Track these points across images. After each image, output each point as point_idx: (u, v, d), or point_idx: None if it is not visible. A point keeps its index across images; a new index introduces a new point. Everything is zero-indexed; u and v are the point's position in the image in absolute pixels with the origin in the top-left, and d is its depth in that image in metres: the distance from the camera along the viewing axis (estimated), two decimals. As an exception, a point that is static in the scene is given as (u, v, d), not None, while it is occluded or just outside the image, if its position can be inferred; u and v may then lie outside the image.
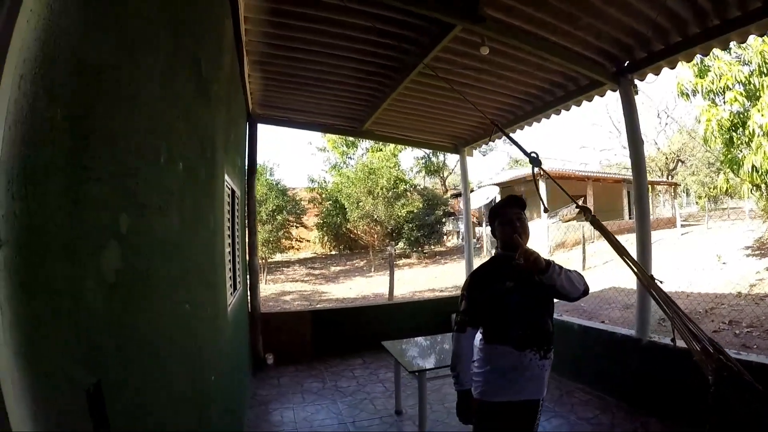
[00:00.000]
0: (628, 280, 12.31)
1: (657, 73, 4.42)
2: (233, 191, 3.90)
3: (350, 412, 4.57)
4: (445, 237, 25.43)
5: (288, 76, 4.88)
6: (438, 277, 16.80)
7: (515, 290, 2.27)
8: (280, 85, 5.16)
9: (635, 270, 1.90)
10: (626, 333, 4.63)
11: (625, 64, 4.45)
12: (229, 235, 3.59)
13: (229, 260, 3.57)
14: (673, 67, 4.29)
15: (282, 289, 16.14)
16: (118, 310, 0.96)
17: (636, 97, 4.60)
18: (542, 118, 5.71)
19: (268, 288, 15.97)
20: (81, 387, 0.80)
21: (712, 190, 25.18)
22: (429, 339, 4.88)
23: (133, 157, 1.10)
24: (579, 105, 5.27)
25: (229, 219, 3.62)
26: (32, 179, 0.67)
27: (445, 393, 4.94)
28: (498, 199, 22.56)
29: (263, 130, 6.13)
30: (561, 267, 2.25)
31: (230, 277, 3.61)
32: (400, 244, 21.69)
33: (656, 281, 1.85)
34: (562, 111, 5.48)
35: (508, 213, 2.36)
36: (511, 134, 6.65)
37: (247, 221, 5.80)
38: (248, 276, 5.79)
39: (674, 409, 4.02)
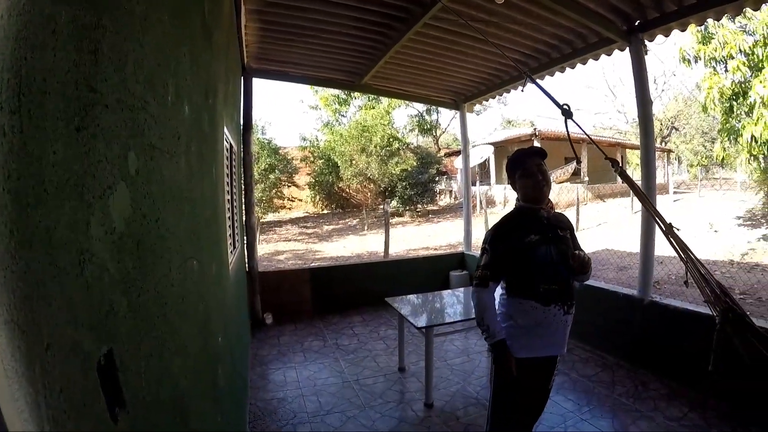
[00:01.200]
0: (621, 243, 12.51)
1: (667, 35, 4.34)
2: (231, 145, 3.72)
3: (353, 369, 4.55)
4: (438, 196, 25.41)
5: (286, 27, 4.61)
6: (431, 236, 16.78)
7: (540, 243, 2.22)
8: (277, 37, 4.89)
9: (656, 218, 1.83)
10: (628, 293, 4.66)
11: (636, 23, 4.33)
12: (228, 191, 3.44)
13: (228, 217, 3.42)
14: (683, 30, 4.20)
15: (275, 248, 16.08)
16: (128, 264, 0.82)
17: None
18: (546, 75, 5.57)
19: (261, 248, 15.88)
20: (90, 358, 0.66)
21: (705, 158, 25.30)
22: (427, 296, 4.83)
23: (142, 88, 0.93)
24: (585, 63, 5.14)
25: (227, 174, 3.46)
26: (28, 88, 0.51)
27: (446, 350, 4.96)
28: (492, 159, 22.50)
29: (256, 87, 5.89)
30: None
31: (230, 235, 3.47)
32: (393, 203, 21.66)
33: (674, 229, 1.82)
34: (567, 69, 5.36)
35: (530, 164, 2.27)
36: (505, 93, 6.57)
37: (243, 178, 5.62)
38: (245, 234, 5.65)
39: (674, 368, 4.07)
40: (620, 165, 2.05)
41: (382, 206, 17.96)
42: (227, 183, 3.39)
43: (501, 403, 2.29)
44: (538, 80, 5.63)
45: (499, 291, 2.31)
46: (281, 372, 4.54)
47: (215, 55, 2.43)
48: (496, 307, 2.29)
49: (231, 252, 3.48)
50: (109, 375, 0.70)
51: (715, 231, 12.65)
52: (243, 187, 5.70)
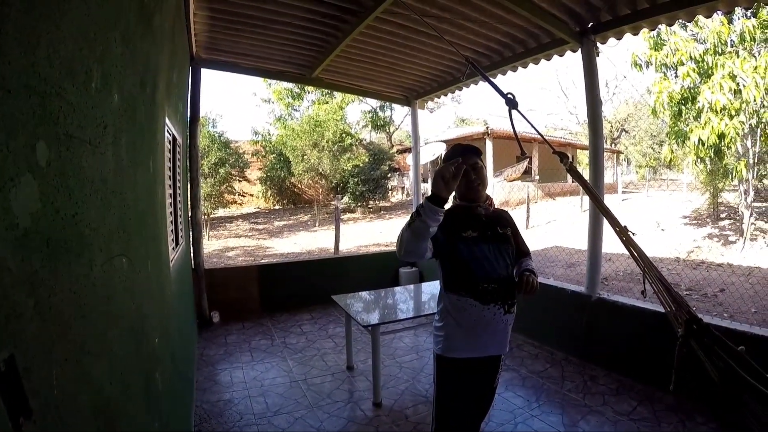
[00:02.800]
0: (570, 240, 12.92)
1: (619, 38, 4.47)
2: (174, 138, 3.58)
3: (301, 369, 4.49)
4: (390, 192, 25.49)
5: (236, 16, 4.48)
6: (383, 232, 16.85)
7: (479, 240, 2.17)
8: (227, 26, 4.74)
9: (609, 219, 1.83)
10: (576, 289, 4.79)
11: (589, 25, 4.43)
12: (170, 186, 3.31)
13: (170, 212, 3.29)
14: (636, 33, 4.34)
15: (225, 245, 15.74)
16: (36, 263, 0.75)
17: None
18: (498, 74, 5.63)
19: (211, 244, 15.53)
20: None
21: (653, 160, 26.48)
22: (377, 293, 4.83)
23: (57, 74, 0.86)
24: (537, 63, 5.23)
25: (170, 168, 3.33)
26: None
27: (395, 347, 4.97)
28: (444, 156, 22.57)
29: (206, 78, 5.70)
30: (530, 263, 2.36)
31: (172, 231, 3.34)
32: (345, 199, 21.63)
33: (629, 232, 1.80)
34: (519, 68, 5.44)
35: (464, 161, 2.16)
36: (457, 90, 6.64)
37: (189, 172, 5.44)
38: (191, 230, 5.47)
39: (622, 363, 4.21)
40: (569, 159, 2.07)
41: (333, 202, 17.86)
42: (169, 177, 3.26)
43: (445, 402, 2.25)
44: (481, 80, 5.79)
45: (438, 287, 2.28)
46: (228, 372, 4.43)
47: (156, 42, 2.32)
48: (437, 305, 2.28)
49: (173, 249, 3.36)
50: (10, 382, 0.65)
51: (662, 230, 13.22)
52: (189, 181, 5.51)
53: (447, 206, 2.10)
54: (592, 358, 4.48)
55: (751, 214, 11.62)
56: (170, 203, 3.27)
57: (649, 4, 3.93)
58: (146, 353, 1.76)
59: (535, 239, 13.95)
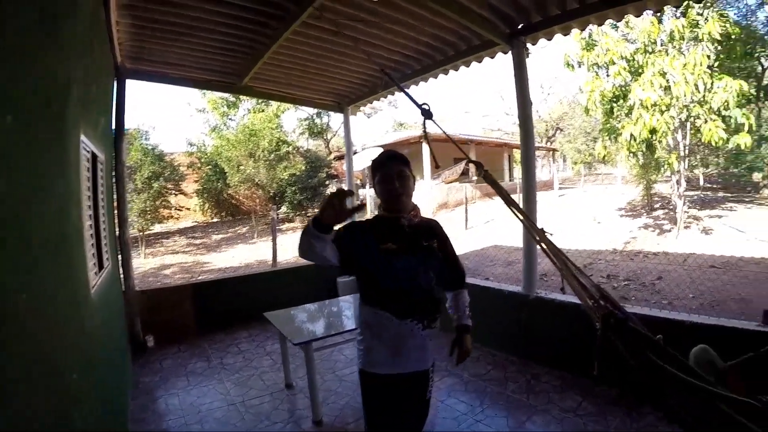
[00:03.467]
0: (508, 239, 13.26)
1: (549, 39, 4.56)
2: (95, 155, 3.36)
3: (239, 390, 4.34)
4: (328, 200, 25.39)
5: (161, 24, 4.30)
6: (323, 241, 16.68)
7: (399, 253, 2.05)
8: (152, 35, 4.53)
9: (525, 223, 1.86)
10: (513, 290, 4.90)
11: (519, 27, 4.50)
12: (90, 206, 3.10)
13: (92, 234, 3.09)
14: (566, 34, 4.44)
15: (162, 262, 15.12)
16: None
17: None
18: (430, 78, 5.74)
19: (147, 262, 14.89)
20: None
21: (587, 156, 27.84)
22: (314, 306, 4.75)
23: None
24: (468, 66, 5.32)
25: (89, 188, 3.12)
26: None
27: (335, 361, 4.90)
28: (383, 161, 22.65)
29: (137, 90, 5.42)
30: (466, 306, 2.31)
31: (94, 254, 3.13)
32: (283, 208, 21.32)
33: (546, 234, 1.84)
34: (451, 71, 5.53)
35: (389, 169, 2.10)
36: (397, 92, 6.65)
37: (115, 190, 5.15)
38: (119, 251, 5.17)
39: (563, 360, 4.32)
40: (483, 168, 2.07)
41: (271, 213, 17.57)
42: (89, 197, 3.06)
43: (373, 418, 2.15)
44: (413, 84, 5.84)
45: (356, 300, 2.21)
46: (164, 400, 4.21)
47: (67, 53, 2.16)
48: (357, 318, 2.21)
49: (96, 273, 3.14)
50: None
51: (599, 222, 13.83)
52: (116, 199, 5.21)
53: (369, 216, 2.05)
54: (533, 357, 4.56)
55: (684, 203, 12.34)
56: (91, 225, 3.07)
57: (579, 4, 4.01)
58: (59, 393, 1.61)
59: (474, 239, 14.26)
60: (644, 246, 11.63)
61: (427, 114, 1.95)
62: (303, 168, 21.57)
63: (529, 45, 4.64)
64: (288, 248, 15.17)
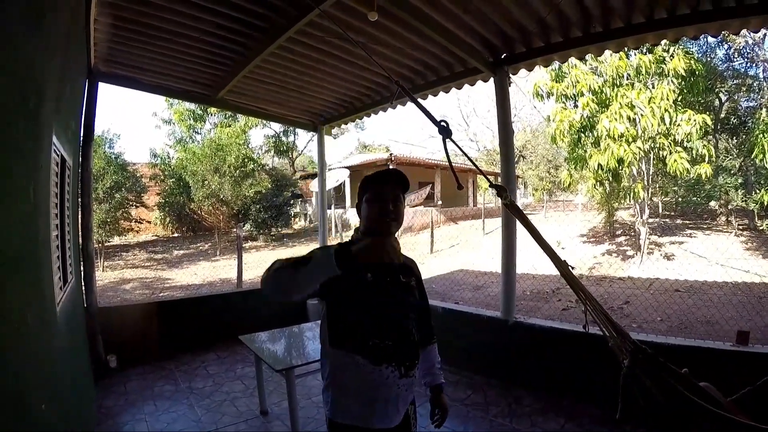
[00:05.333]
0: (475, 263, 13.28)
1: (530, 69, 4.67)
2: (63, 160, 3.12)
3: (211, 417, 4.05)
4: (293, 219, 25.18)
5: (141, 26, 4.05)
6: (287, 261, 16.39)
7: (375, 287, 1.78)
8: (131, 37, 4.27)
9: (550, 255, 1.77)
10: (492, 315, 4.84)
11: (503, 56, 4.54)
12: (57, 215, 2.86)
13: (57, 245, 2.84)
14: (547, 65, 4.52)
15: (121, 276, 14.49)
16: None
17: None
18: (408, 102, 5.61)
19: (105, 276, 14.24)
20: None
21: (549, 183, 28.59)
22: (290, 330, 4.55)
23: None
24: (448, 91, 5.31)
25: (57, 194, 2.88)
26: None
27: (310, 387, 4.64)
28: (348, 182, 22.71)
29: (103, 94, 5.09)
30: (439, 364, 2.21)
31: (59, 267, 2.87)
32: (247, 226, 20.91)
33: (569, 267, 1.77)
34: (430, 96, 5.46)
35: (385, 190, 1.86)
36: (365, 117, 6.55)
37: (80, 198, 4.84)
38: (82, 264, 4.83)
39: (544, 382, 4.31)
40: (507, 194, 1.97)
41: (235, 230, 17.14)
42: (56, 205, 2.82)
43: None
44: (390, 107, 5.76)
45: (319, 341, 1.87)
46: (130, 425, 3.87)
47: (46, 49, 1.97)
48: (322, 361, 1.86)
49: (61, 288, 2.88)
50: None
51: (563, 248, 14.02)
52: (81, 208, 4.89)
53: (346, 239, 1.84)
54: (514, 381, 4.51)
55: (647, 231, 12.67)
56: (57, 235, 2.82)
57: (563, 38, 4.09)
58: (28, 426, 1.40)
59: (440, 263, 14.22)
60: (609, 271, 11.84)
61: (445, 132, 1.74)
62: (268, 186, 21.19)
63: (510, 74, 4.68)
64: (253, 266, 14.78)
